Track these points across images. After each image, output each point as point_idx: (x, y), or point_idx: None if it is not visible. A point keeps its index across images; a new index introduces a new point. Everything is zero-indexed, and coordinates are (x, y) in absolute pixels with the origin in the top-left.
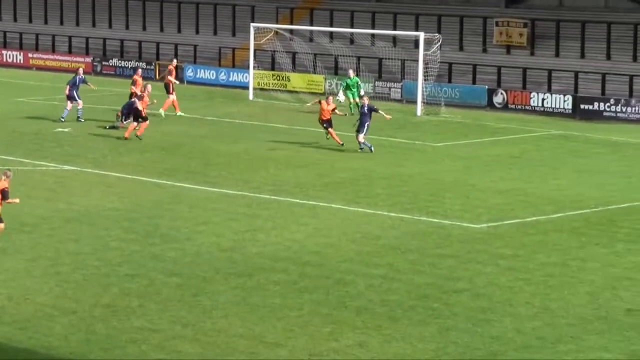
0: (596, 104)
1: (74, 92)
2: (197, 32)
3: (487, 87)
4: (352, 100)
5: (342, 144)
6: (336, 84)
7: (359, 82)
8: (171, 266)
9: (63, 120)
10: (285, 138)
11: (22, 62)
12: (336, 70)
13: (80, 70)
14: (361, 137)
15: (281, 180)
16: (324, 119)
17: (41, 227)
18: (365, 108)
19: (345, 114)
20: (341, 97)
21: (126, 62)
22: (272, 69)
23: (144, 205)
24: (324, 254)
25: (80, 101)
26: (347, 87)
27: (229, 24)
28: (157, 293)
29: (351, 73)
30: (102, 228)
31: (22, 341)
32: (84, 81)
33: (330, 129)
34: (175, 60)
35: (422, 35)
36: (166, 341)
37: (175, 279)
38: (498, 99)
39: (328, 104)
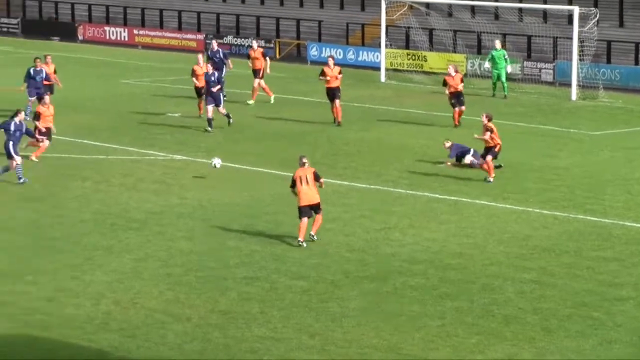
0: None
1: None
2: (322, 6)
3: None
4: (497, 79)
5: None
6: (479, 64)
7: (506, 56)
8: (295, 268)
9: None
10: (422, 125)
11: (126, 39)
12: (479, 49)
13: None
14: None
15: (418, 172)
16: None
17: (151, 223)
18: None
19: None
20: (487, 65)
21: (242, 39)
22: (407, 47)
23: (264, 200)
24: (468, 256)
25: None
26: (492, 60)
27: None
28: (280, 298)
29: (498, 44)
30: (218, 225)
31: (130, 350)
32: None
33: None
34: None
35: (576, 10)
36: (290, 352)
37: (300, 283)
38: None
39: (453, 78)
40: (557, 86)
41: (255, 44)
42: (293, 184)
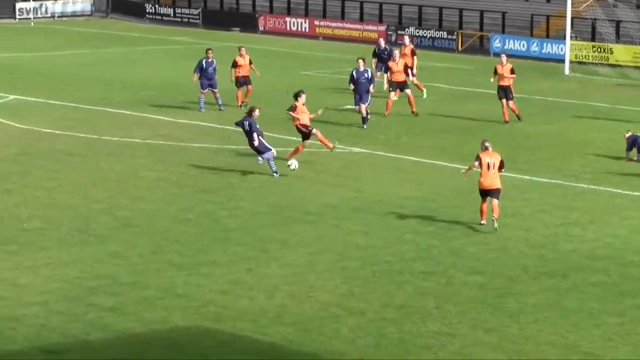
0: None
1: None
2: None
3: None
4: None
5: None
6: None
7: None
8: (473, 263)
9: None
10: (606, 119)
11: (307, 30)
12: None
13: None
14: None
15: (601, 167)
16: None
17: (327, 216)
18: None
19: None
20: None
21: (425, 30)
22: (592, 39)
23: (443, 193)
24: None
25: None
26: None
27: None
28: (457, 293)
29: None
30: (395, 219)
31: (304, 344)
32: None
33: None
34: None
35: None
36: (466, 348)
37: (477, 278)
38: None
39: None
40: None
41: (407, 39)
42: (478, 160)
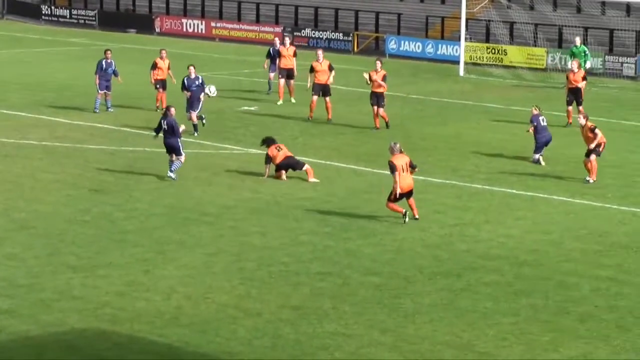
0: None
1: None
2: None
3: None
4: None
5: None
6: (559, 58)
7: (587, 52)
8: (369, 264)
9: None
10: (500, 120)
11: (204, 32)
12: (560, 42)
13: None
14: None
15: (495, 168)
16: None
17: (224, 217)
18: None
19: None
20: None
21: (321, 32)
22: (487, 41)
23: (338, 194)
24: (544, 253)
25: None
26: (573, 56)
27: None
28: (353, 294)
29: (578, 40)
30: (291, 220)
31: (200, 345)
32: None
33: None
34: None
35: None
36: (362, 348)
37: (373, 279)
38: None
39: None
40: (639, 80)
41: (287, 41)
42: (393, 170)
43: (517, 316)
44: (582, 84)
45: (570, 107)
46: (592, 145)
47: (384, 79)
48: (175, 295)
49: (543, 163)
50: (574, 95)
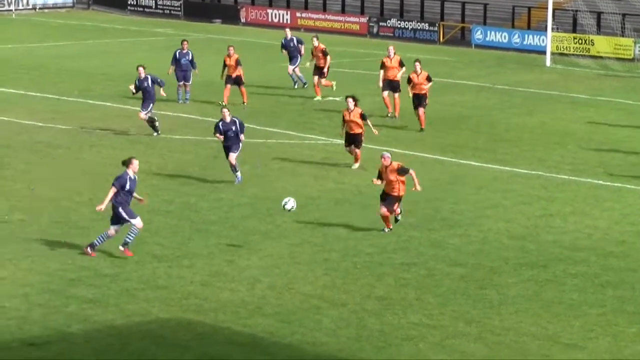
0: None
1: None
2: None
3: None
4: None
5: None
6: None
7: None
8: (454, 255)
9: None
10: (587, 110)
11: (289, 22)
12: None
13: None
14: None
15: (582, 158)
16: None
17: (308, 208)
18: None
19: None
20: None
21: (406, 22)
22: (574, 31)
23: (423, 185)
24: (631, 244)
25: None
26: None
27: None
28: (437, 285)
29: None
30: (375, 211)
31: (285, 336)
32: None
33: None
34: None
35: None
36: (447, 339)
37: (458, 270)
38: None
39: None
40: None
41: (316, 41)
42: (380, 177)
43: (603, 307)
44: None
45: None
46: None
47: (428, 79)
48: (259, 286)
49: None
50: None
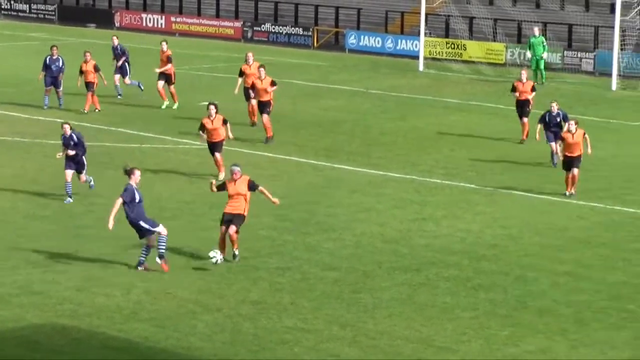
0: None
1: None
2: None
3: None
4: (536, 66)
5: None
6: (519, 53)
7: (544, 42)
8: (328, 259)
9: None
10: (459, 114)
11: (163, 27)
12: (519, 37)
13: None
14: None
15: (454, 162)
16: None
17: (183, 212)
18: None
19: None
20: (529, 54)
21: (280, 27)
22: (446, 36)
23: (298, 189)
24: (503, 247)
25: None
26: (531, 47)
27: None
28: (312, 289)
29: (536, 30)
30: (251, 215)
31: (160, 340)
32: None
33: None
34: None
35: None
36: (321, 343)
37: (332, 274)
38: None
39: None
40: (597, 76)
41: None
42: (222, 187)
43: (476, 311)
44: (531, 96)
45: (524, 120)
46: (577, 153)
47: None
48: (134, 291)
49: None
50: (521, 107)
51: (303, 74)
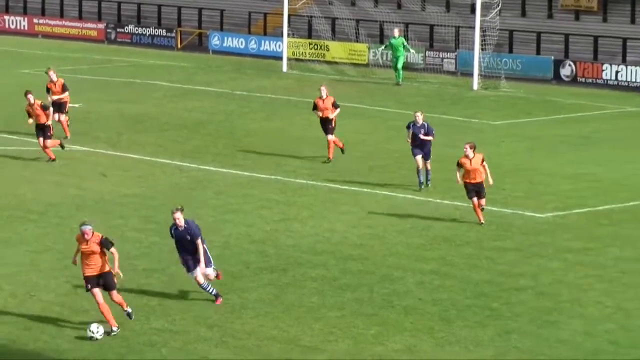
0: None
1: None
2: None
3: (552, 57)
4: (397, 66)
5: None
6: (381, 53)
7: (405, 44)
8: None
9: None
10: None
11: (26, 28)
12: (381, 38)
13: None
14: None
15: (319, 163)
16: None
17: (49, 215)
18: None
19: None
20: (382, 49)
21: (144, 28)
22: (309, 36)
23: (164, 191)
24: (368, 247)
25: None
26: (391, 48)
27: None
28: (180, 290)
29: (396, 32)
30: (117, 217)
31: (27, 343)
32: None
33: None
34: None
35: None
36: (189, 344)
37: None
38: (566, 71)
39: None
40: (458, 76)
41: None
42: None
43: (342, 310)
44: (334, 114)
45: (329, 137)
46: (479, 180)
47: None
48: (0, 293)
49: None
50: (324, 124)
51: (167, 75)
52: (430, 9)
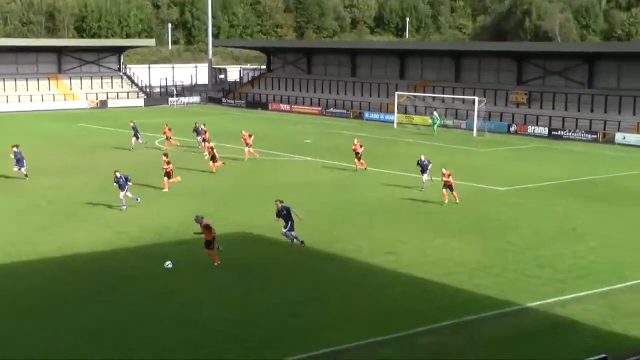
0: None
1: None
2: None
3: (507, 123)
4: (434, 127)
5: None
6: (432, 121)
7: (439, 116)
8: None
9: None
10: None
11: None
12: (427, 111)
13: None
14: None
15: None
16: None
17: None
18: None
19: None
20: None
21: None
22: (405, 112)
23: None
24: None
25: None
26: (433, 119)
27: None
28: None
29: (435, 112)
30: None
31: None
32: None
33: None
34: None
35: None
36: None
37: None
38: (513, 128)
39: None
40: (466, 130)
41: None
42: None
43: None
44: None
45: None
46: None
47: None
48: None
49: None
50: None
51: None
52: (457, 102)
